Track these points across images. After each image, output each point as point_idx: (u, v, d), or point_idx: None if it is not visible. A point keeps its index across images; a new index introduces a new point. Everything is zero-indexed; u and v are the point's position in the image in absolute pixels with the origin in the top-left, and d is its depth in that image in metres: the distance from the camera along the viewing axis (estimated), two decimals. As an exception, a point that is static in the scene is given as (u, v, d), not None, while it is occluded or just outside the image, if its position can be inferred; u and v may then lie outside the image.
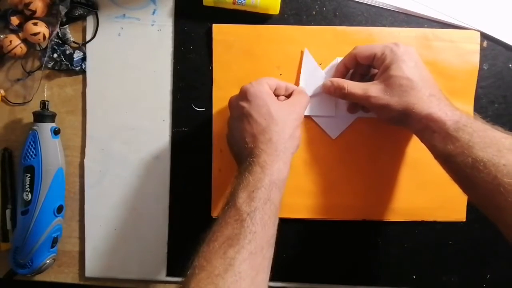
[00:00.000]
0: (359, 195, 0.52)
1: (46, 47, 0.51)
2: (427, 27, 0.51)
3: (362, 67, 0.48)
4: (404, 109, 0.43)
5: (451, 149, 0.40)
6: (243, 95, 0.44)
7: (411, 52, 0.45)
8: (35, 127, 0.49)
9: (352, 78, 0.49)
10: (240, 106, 0.44)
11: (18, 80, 0.53)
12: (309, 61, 0.50)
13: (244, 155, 0.43)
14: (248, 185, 0.40)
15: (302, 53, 0.50)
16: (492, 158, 0.37)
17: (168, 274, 0.53)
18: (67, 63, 0.52)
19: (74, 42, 0.52)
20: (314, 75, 0.50)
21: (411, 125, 0.43)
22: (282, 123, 0.43)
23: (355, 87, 0.46)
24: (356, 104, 0.50)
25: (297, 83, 0.51)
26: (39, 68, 0.52)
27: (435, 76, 0.50)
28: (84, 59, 0.52)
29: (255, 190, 0.39)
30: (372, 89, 0.44)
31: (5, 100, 0.52)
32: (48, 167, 0.49)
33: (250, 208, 0.38)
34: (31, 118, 0.50)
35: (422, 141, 0.44)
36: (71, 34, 0.52)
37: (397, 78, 0.43)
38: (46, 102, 0.50)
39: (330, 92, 0.48)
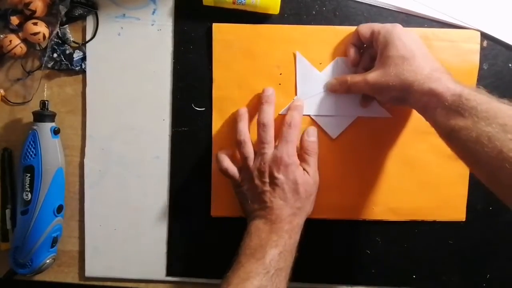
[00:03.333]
0: (359, 195, 0.52)
1: (46, 47, 0.51)
2: (427, 27, 0.51)
3: (372, 49, 0.48)
4: (403, 87, 0.42)
5: (453, 124, 0.38)
6: (277, 162, 0.45)
7: (408, 31, 0.44)
8: (35, 127, 0.49)
9: (363, 61, 0.49)
10: (273, 176, 0.46)
11: (18, 80, 0.53)
12: (303, 63, 0.50)
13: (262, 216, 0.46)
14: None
15: (295, 56, 0.50)
16: (497, 133, 0.35)
17: (168, 274, 0.53)
18: (67, 63, 0.52)
19: (74, 42, 0.52)
20: (311, 76, 0.50)
21: (413, 103, 0.43)
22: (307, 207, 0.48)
23: (355, 77, 0.46)
24: (367, 96, 0.49)
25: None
26: (39, 68, 0.52)
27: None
28: (84, 59, 0.52)
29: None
30: (371, 74, 0.44)
31: (5, 99, 0.52)
32: (48, 166, 0.49)
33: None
34: (31, 118, 0.50)
35: (425, 118, 0.42)
36: (71, 34, 0.52)
37: (393, 57, 0.42)
38: (46, 102, 0.50)
39: (336, 90, 0.49)
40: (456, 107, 0.38)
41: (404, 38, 0.43)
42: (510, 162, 0.34)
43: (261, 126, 0.47)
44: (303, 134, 0.49)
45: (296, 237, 0.46)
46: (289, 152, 0.46)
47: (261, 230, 0.45)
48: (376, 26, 0.46)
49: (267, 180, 0.46)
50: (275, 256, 0.43)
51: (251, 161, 0.47)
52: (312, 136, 0.49)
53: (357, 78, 0.46)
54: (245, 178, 0.48)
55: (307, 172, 0.47)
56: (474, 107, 0.37)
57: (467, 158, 0.39)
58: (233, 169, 0.48)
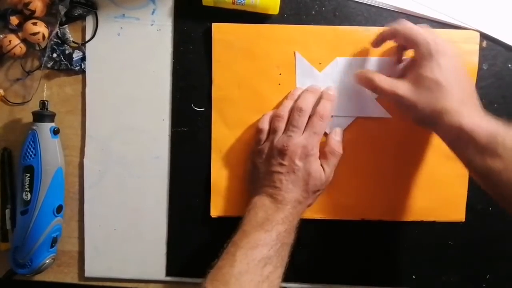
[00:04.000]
0: (359, 195, 0.52)
1: (46, 47, 0.51)
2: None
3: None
4: (432, 114, 0.41)
5: (491, 165, 0.37)
6: (301, 150, 0.45)
7: (449, 51, 0.42)
8: (34, 127, 0.49)
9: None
10: (292, 161, 0.46)
11: (18, 80, 0.53)
12: (302, 64, 0.50)
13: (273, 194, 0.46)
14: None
15: (294, 56, 0.50)
16: None
17: (168, 274, 0.53)
18: (66, 63, 0.52)
19: (73, 42, 0.52)
20: (310, 76, 0.50)
21: (441, 133, 0.42)
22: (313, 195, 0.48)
23: (384, 81, 0.44)
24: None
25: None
26: (38, 68, 0.52)
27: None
28: (83, 59, 0.52)
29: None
30: (400, 87, 0.43)
31: (4, 100, 0.52)
32: (48, 167, 0.49)
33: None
34: (30, 118, 0.50)
35: (455, 153, 0.41)
36: (71, 34, 0.52)
37: (427, 79, 0.41)
38: (46, 102, 0.50)
39: (362, 83, 0.47)
40: (493, 148, 0.37)
41: (444, 61, 0.41)
42: None
43: (298, 109, 0.47)
44: (332, 132, 0.49)
45: (297, 221, 0.46)
46: (314, 144, 0.46)
47: (267, 206, 0.45)
48: (420, 36, 0.43)
49: (285, 163, 0.46)
50: (282, 232, 0.43)
51: (277, 137, 0.47)
52: (339, 136, 0.49)
53: (386, 84, 0.44)
54: (265, 151, 0.48)
55: (324, 170, 0.47)
56: (510, 147, 0.37)
57: (506, 197, 0.38)
58: (264, 134, 0.49)
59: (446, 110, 0.40)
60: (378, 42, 0.48)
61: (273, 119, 0.49)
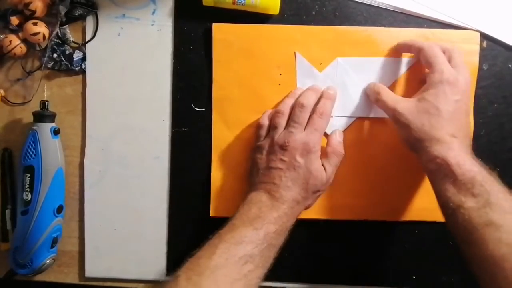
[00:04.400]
0: (359, 195, 0.52)
1: (46, 47, 0.51)
2: (426, 27, 0.51)
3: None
4: (423, 139, 0.42)
5: (463, 201, 0.38)
6: (302, 146, 0.45)
7: (461, 82, 0.43)
8: (35, 127, 0.49)
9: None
10: (293, 157, 0.45)
11: (18, 80, 0.53)
12: (303, 64, 0.50)
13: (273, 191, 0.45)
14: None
15: (295, 56, 0.51)
16: (510, 224, 0.36)
17: (168, 274, 0.53)
18: (67, 63, 0.52)
19: (74, 42, 0.52)
20: (311, 76, 0.51)
21: (424, 161, 0.43)
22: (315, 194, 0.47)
23: (387, 96, 0.46)
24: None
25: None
26: (39, 68, 0.52)
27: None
28: (84, 59, 0.52)
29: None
30: (401, 104, 0.44)
31: (5, 100, 0.52)
32: (48, 167, 0.49)
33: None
34: (31, 118, 0.50)
35: (431, 182, 0.43)
36: (71, 34, 0.52)
37: (428, 103, 0.42)
38: (46, 102, 0.50)
39: (369, 93, 0.49)
40: (470, 187, 0.38)
41: (450, 90, 0.42)
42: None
43: (299, 105, 0.47)
44: (334, 133, 0.49)
45: (291, 222, 0.45)
46: (315, 141, 0.46)
47: (263, 203, 0.44)
48: (439, 62, 0.44)
49: (286, 159, 0.45)
50: (271, 233, 0.42)
51: (277, 134, 0.47)
52: (340, 137, 0.49)
53: (388, 99, 0.45)
54: (265, 147, 0.47)
55: (325, 169, 0.47)
56: (488, 192, 0.38)
57: (466, 236, 0.39)
58: (264, 130, 0.49)
59: (437, 140, 0.41)
60: (398, 49, 0.49)
61: (274, 115, 0.49)
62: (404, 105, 0.44)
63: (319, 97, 0.49)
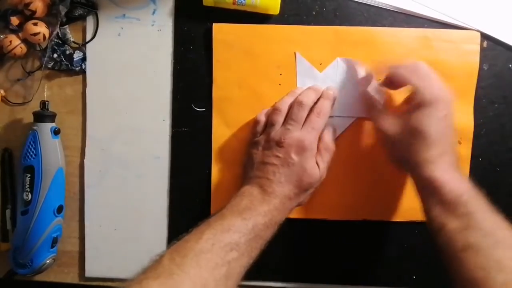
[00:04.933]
0: (359, 195, 0.52)
1: (46, 47, 0.51)
2: (427, 27, 0.51)
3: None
4: (407, 161, 0.43)
5: (446, 222, 0.39)
6: (298, 144, 0.45)
7: (442, 101, 0.42)
8: (35, 127, 0.49)
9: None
10: (288, 154, 0.45)
11: (18, 80, 0.53)
12: (303, 64, 0.50)
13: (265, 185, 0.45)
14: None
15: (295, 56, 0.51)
16: (485, 248, 0.36)
17: (168, 274, 0.53)
18: (67, 63, 0.52)
19: (74, 42, 0.52)
20: (311, 76, 0.50)
21: (412, 177, 0.44)
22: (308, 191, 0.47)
23: (380, 111, 0.46)
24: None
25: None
26: (39, 68, 0.52)
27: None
28: (84, 59, 0.52)
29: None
30: (389, 123, 0.45)
31: (5, 100, 0.52)
32: (48, 167, 0.49)
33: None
34: (31, 118, 0.50)
35: (418, 196, 0.43)
36: (71, 34, 0.52)
37: (413, 128, 0.42)
38: (46, 102, 0.50)
39: (366, 98, 0.48)
40: (455, 207, 0.39)
41: (433, 112, 0.41)
42: (493, 283, 0.35)
43: (298, 103, 0.47)
44: (326, 129, 0.49)
45: (282, 217, 0.45)
46: (311, 139, 0.46)
47: (254, 196, 0.44)
48: (417, 82, 0.43)
49: (280, 155, 0.45)
50: (260, 225, 0.42)
51: (274, 130, 0.47)
52: (332, 134, 0.49)
53: (380, 115, 0.46)
54: (261, 142, 0.48)
55: (318, 166, 0.46)
56: (470, 213, 0.38)
57: (446, 259, 0.39)
58: (261, 126, 0.49)
59: (421, 162, 0.41)
60: (376, 72, 0.49)
61: (272, 112, 0.49)
62: (392, 126, 0.44)
63: (319, 97, 0.49)
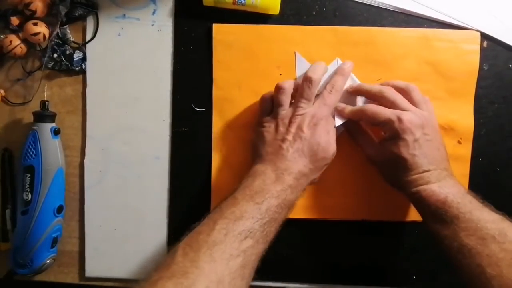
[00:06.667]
0: (359, 195, 0.52)
1: (46, 47, 0.51)
2: (427, 27, 0.51)
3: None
4: (393, 183, 0.47)
5: (438, 230, 0.41)
6: (310, 118, 0.45)
7: (426, 118, 0.43)
8: (35, 127, 0.49)
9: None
10: (300, 128, 0.44)
11: (18, 80, 0.53)
12: (302, 64, 0.50)
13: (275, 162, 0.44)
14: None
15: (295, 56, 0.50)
16: (476, 246, 0.38)
17: (168, 274, 0.53)
18: (67, 63, 0.52)
19: (74, 42, 0.52)
20: None
21: (405, 194, 0.45)
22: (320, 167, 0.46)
23: (362, 140, 0.49)
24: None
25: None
26: (39, 68, 0.52)
27: (435, 76, 0.50)
28: (84, 59, 0.52)
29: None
30: (370, 149, 0.48)
31: (5, 100, 0.53)
32: (48, 167, 0.49)
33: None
34: (31, 118, 0.50)
35: (413, 205, 0.46)
36: (71, 34, 0.52)
37: (393, 154, 0.44)
38: (46, 102, 0.50)
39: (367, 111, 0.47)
40: (440, 215, 0.41)
41: (408, 137, 0.43)
42: (487, 277, 0.36)
43: (307, 80, 0.45)
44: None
45: (296, 195, 0.44)
46: (324, 114, 0.45)
47: (267, 176, 0.43)
48: (384, 116, 0.44)
49: (293, 130, 0.44)
50: (273, 207, 0.41)
51: (283, 110, 0.46)
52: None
53: (366, 147, 0.48)
54: (271, 121, 0.46)
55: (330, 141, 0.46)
56: (456, 216, 0.40)
57: (451, 262, 0.41)
58: (269, 105, 0.48)
59: (404, 183, 0.44)
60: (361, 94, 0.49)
61: (276, 92, 0.47)
62: (373, 154, 0.47)
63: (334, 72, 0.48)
